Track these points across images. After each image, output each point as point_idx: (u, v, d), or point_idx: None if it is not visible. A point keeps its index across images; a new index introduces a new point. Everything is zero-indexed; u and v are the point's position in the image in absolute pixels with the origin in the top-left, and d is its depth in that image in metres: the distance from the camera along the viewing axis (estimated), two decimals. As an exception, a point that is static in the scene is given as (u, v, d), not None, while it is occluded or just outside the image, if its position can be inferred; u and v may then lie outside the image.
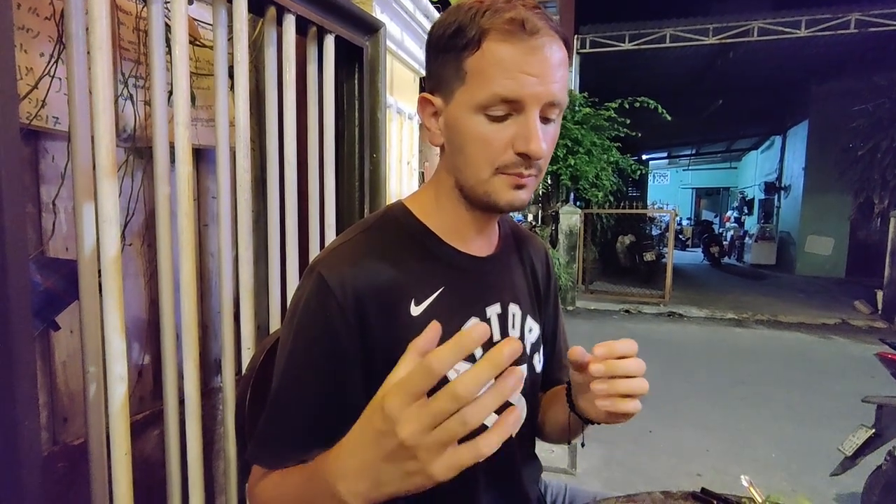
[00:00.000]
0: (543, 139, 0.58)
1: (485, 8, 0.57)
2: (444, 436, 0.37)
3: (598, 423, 0.65)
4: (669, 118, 6.30)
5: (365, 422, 0.43)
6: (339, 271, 0.59)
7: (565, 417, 0.69)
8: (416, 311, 0.62)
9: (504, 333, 0.70)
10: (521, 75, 0.55)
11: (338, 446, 0.47)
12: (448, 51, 0.59)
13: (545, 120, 0.59)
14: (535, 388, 0.76)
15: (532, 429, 0.78)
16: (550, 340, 0.84)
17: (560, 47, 0.58)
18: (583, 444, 0.75)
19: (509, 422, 0.37)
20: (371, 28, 1.49)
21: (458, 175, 0.64)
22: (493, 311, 0.69)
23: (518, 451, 0.74)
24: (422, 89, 2.57)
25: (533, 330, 0.75)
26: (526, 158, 0.58)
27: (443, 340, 0.63)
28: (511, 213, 0.83)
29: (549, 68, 0.57)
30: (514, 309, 0.72)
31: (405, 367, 0.40)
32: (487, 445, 0.37)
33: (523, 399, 0.73)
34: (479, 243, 0.70)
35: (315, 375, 0.59)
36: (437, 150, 0.68)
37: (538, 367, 0.75)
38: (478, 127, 0.58)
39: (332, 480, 0.45)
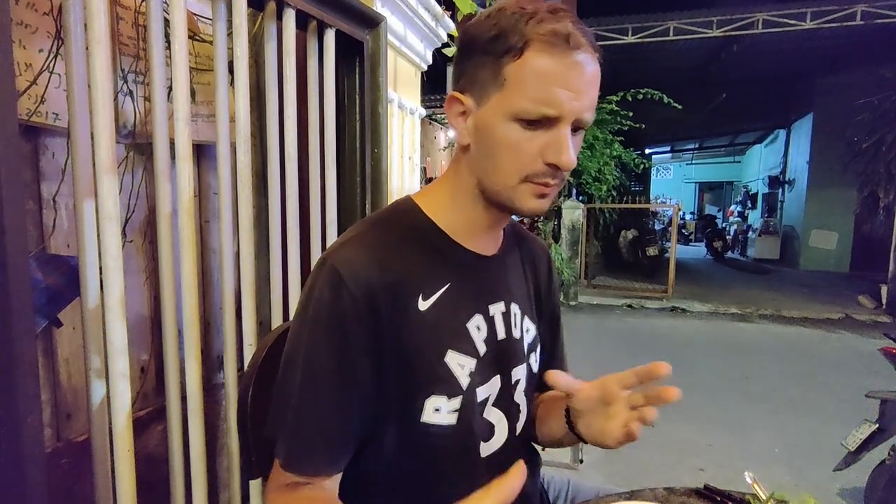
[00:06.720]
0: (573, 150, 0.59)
1: (529, 15, 0.56)
2: None
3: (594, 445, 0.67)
4: (679, 107, 6.23)
5: None
6: (352, 263, 0.60)
7: (560, 433, 0.71)
8: (423, 305, 0.63)
9: (508, 331, 0.71)
10: (560, 90, 0.56)
11: None
12: (487, 53, 0.58)
13: (574, 130, 0.60)
14: (532, 387, 0.77)
15: (531, 426, 0.79)
16: (550, 341, 0.84)
17: (596, 64, 0.59)
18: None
19: None
20: (372, 22, 1.48)
21: (482, 177, 0.64)
22: (497, 308, 0.70)
23: (518, 447, 0.74)
24: (423, 84, 2.55)
25: (530, 330, 0.76)
26: (555, 169, 0.59)
27: (447, 334, 0.64)
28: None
29: (585, 85, 0.58)
30: (514, 308, 0.73)
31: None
32: None
33: (524, 397, 0.74)
34: (486, 242, 0.71)
35: (332, 368, 0.59)
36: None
37: (534, 366, 0.76)
38: (511, 134, 0.58)
39: None
